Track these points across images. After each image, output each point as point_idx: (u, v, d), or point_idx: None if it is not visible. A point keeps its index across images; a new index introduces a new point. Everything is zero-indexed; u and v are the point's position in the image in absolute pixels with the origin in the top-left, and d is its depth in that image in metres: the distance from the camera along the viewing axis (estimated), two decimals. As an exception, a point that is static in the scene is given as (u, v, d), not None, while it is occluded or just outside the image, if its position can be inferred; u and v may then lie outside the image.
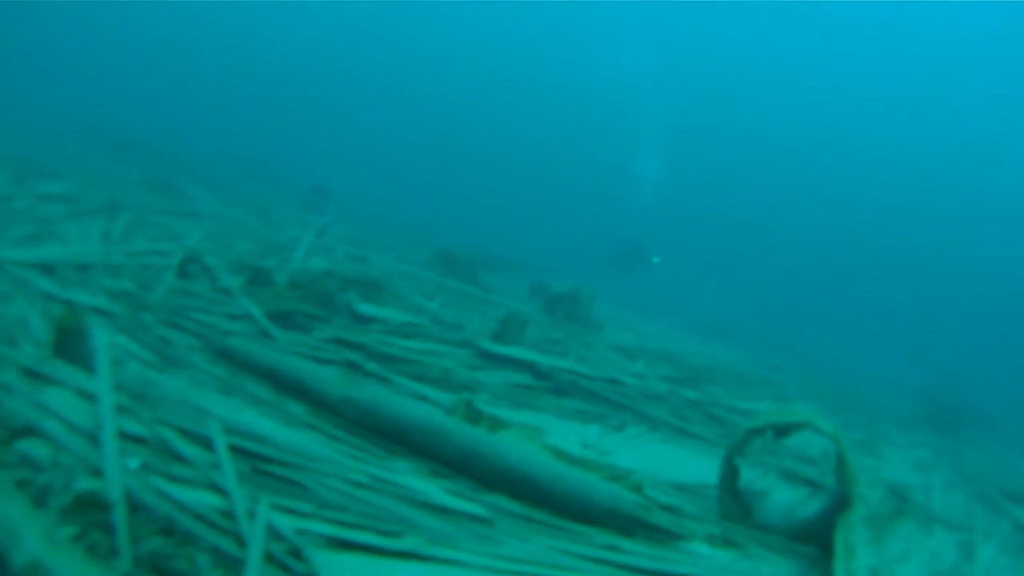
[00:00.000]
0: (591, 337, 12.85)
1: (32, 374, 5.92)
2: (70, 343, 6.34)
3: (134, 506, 4.46)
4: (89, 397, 5.60)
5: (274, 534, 4.58)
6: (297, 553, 4.45)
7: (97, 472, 4.64)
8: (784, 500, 7.71)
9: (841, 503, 6.19)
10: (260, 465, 5.48)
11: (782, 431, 6.56)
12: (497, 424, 7.07)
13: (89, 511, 4.34)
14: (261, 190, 20.58)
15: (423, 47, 66.89)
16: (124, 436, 5.21)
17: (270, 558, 4.35)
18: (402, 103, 60.27)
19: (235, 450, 5.47)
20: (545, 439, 7.52)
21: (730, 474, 6.66)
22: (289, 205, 18.86)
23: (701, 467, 7.21)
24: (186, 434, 5.57)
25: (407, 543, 4.87)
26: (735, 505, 6.64)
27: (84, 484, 4.51)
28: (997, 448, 15.27)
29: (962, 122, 59.63)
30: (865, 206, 57.04)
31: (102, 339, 6.34)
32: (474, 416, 7.09)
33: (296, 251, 12.94)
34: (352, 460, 5.99)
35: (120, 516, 4.32)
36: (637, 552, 5.55)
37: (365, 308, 10.16)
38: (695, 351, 15.08)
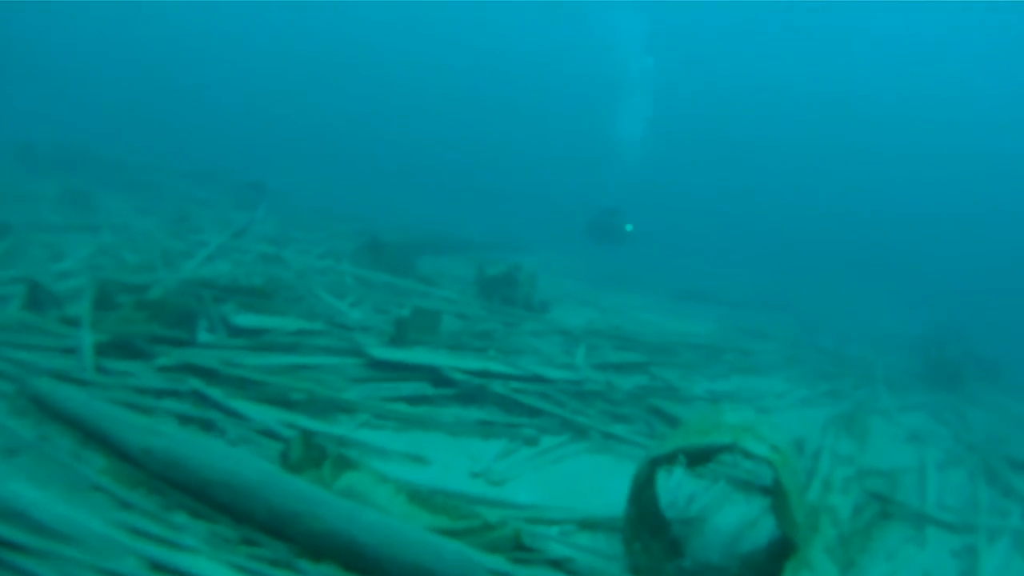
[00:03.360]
0: (532, 323, 11.00)
1: None
2: None
3: None
4: None
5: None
6: None
7: None
8: (730, 524, 5.87)
9: (785, 547, 4.37)
10: (-1, 554, 3.83)
11: (699, 457, 4.76)
12: (345, 464, 5.27)
13: None
14: (203, 193, 18.71)
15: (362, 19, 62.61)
16: None
17: None
18: (357, 84, 56.69)
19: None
20: (425, 470, 5.82)
21: (637, 516, 4.83)
22: (223, 205, 17.03)
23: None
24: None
25: None
26: (645, 554, 4.80)
27: None
28: (1002, 400, 13.37)
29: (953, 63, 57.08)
30: (856, 156, 54.53)
31: None
32: (316, 456, 5.31)
33: (193, 259, 11.16)
34: (130, 536, 4.37)
35: None
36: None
37: (244, 320, 8.37)
38: (661, 325, 13.28)
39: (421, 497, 5.09)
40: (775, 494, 4.46)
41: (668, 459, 4.67)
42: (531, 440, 6.85)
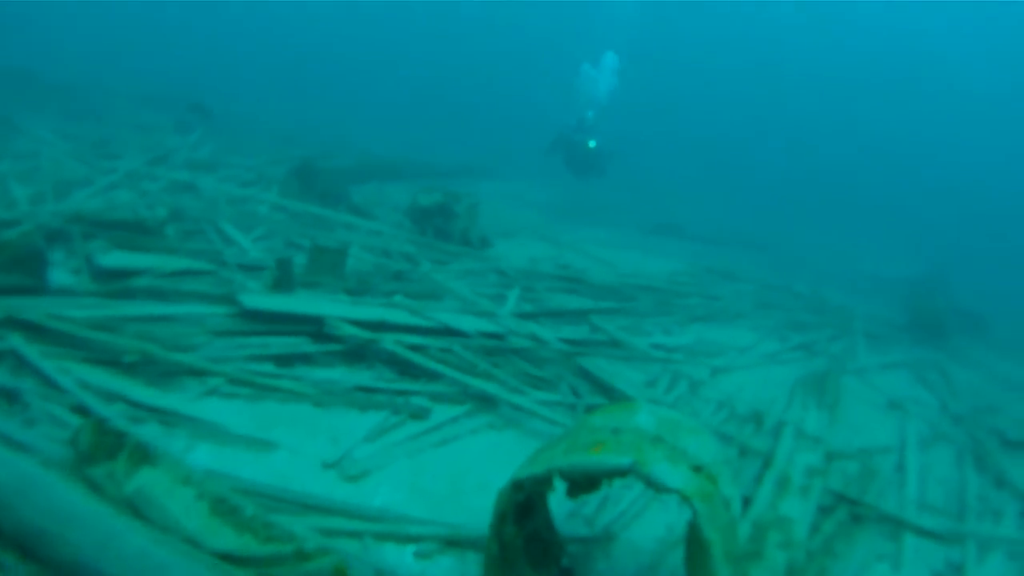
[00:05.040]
0: (468, 260, 9.48)
1: None
2: None
3: None
4: None
5: None
6: None
7: None
8: (650, 540, 4.39)
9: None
10: None
11: (584, 482, 3.29)
12: (143, 457, 3.84)
13: None
14: (147, 116, 16.87)
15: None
16: None
17: None
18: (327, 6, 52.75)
19: None
20: (266, 458, 4.36)
21: (501, 553, 3.36)
22: (163, 129, 15.28)
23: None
24: None
25: None
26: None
27: None
28: (988, 358, 11.85)
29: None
30: (844, 87, 52.09)
31: None
32: (111, 445, 3.90)
33: (90, 188, 9.62)
34: None
35: None
36: None
37: (111, 259, 6.83)
38: (622, 263, 11.78)
39: (227, 507, 3.66)
40: (690, 541, 2.98)
41: (539, 483, 3.17)
42: (419, 413, 5.35)
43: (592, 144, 15.13)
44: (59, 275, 6.58)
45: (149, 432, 4.59)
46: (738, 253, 15.79)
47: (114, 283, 6.50)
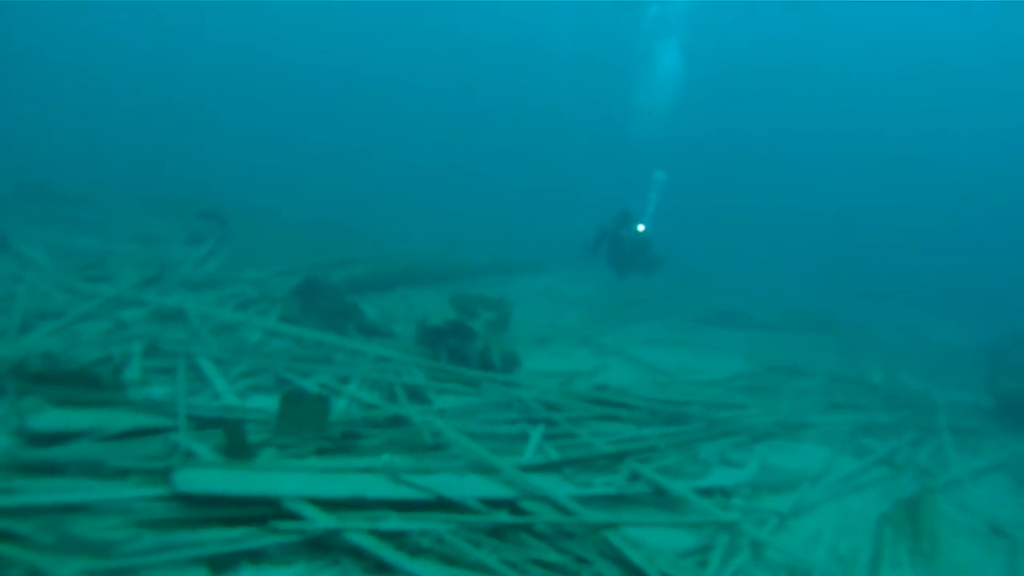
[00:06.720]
0: (488, 387, 8.12)
1: None
2: None
3: None
4: None
5: None
6: None
7: None
8: None
9: None
10: None
11: None
12: None
13: None
14: (158, 225, 15.62)
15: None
16: None
17: None
18: (351, 98, 50.62)
19: None
20: None
21: None
22: (175, 239, 14.13)
23: None
24: None
25: None
26: None
27: None
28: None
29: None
30: (893, 156, 49.65)
31: None
32: None
33: (59, 320, 8.47)
34: None
35: None
36: None
37: (44, 422, 5.63)
38: (672, 368, 10.46)
39: None
40: None
41: None
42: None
43: (642, 228, 13.70)
44: (-4, 437, 5.39)
45: None
46: (801, 338, 14.39)
47: (41, 451, 5.29)
